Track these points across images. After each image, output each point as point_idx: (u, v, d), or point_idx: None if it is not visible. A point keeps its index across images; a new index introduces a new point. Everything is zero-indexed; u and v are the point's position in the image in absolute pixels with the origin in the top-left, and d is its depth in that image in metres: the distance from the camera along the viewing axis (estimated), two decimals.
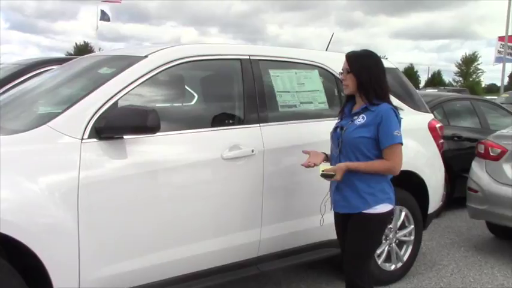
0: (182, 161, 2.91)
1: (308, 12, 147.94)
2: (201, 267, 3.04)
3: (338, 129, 2.89)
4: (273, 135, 3.32)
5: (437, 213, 4.70)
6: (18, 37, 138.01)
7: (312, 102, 3.65)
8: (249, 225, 3.22)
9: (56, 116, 2.63)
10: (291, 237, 3.43)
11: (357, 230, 2.80)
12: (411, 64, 71.96)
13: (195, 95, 3.44)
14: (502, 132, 5.09)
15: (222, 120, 3.29)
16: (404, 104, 4.23)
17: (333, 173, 2.66)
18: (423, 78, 74.50)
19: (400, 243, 4.18)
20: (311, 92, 3.66)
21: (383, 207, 2.79)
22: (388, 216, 2.88)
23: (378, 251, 3.96)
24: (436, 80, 67.60)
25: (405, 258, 4.18)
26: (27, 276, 2.41)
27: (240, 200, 3.16)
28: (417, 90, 5.12)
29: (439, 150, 4.44)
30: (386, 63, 4.32)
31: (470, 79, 69.84)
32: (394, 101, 4.06)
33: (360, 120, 2.77)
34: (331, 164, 2.84)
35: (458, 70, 73.42)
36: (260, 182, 3.21)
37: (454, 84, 67.75)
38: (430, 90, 19.10)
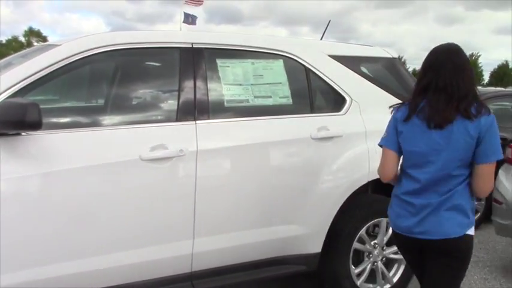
0: (90, 162, 2.56)
1: (404, 10, 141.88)
2: (117, 282, 2.70)
3: None
4: (211, 134, 2.90)
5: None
6: None
7: (270, 97, 3.17)
8: (176, 237, 2.81)
9: None
10: (234, 252, 2.98)
11: None
12: (506, 61, 66.79)
13: (116, 88, 3.08)
14: None
15: (148, 117, 2.92)
16: (399, 100, 3.60)
17: None
18: None
19: (390, 262, 3.58)
20: (271, 85, 3.18)
21: None
22: None
23: (357, 270, 3.40)
24: None
25: (395, 279, 3.56)
26: None
27: (163, 208, 2.76)
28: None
29: None
30: (379, 52, 3.77)
31: None
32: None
33: None
34: None
35: None
36: (191, 188, 2.80)
37: None
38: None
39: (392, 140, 2.30)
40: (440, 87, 2.14)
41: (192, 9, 30.54)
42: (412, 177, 2.22)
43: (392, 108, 2.39)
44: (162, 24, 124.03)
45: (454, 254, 2.23)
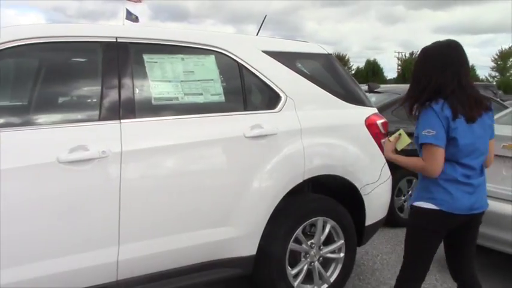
0: (1, 166, 2.36)
1: (348, 8, 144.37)
2: None
3: None
4: (137, 134, 2.74)
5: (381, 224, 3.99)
6: None
7: (201, 94, 3.04)
8: (98, 244, 2.64)
9: None
10: (164, 257, 2.83)
11: None
12: None
13: (33, 86, 2.86)
14: None
15: (67, 116, 2.71)
16: (335, 97, 3.56)
17: None
18: None
19: (326, 262, 3.53)
20: (202, 82, 3.05)
21: (421, 204, 2.54)
22: (425, 214, 2.52)
23: (294, 271, 3.33)
24: None
25: (332, 279, 3.51)
26: None
27: (85, 213, 2.58)
28: None
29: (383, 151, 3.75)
30: (315, 48, 3.71)
31: (508, 74, 66.74)
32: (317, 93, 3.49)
33: None
34: None
35: (495, 65, 70.23)
36: (115, 191, 2.63)
37: (491, 80, 64.81)
38: None
39: (443, 138, 2.41)
40: (463, 85, 2.42)
41: (133, 6, 29.69)
42: (466, 165, 2.46)
43: (405, 106, 2.60)
44: (105, 21, 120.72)
45: (479, 224, 2.62)
